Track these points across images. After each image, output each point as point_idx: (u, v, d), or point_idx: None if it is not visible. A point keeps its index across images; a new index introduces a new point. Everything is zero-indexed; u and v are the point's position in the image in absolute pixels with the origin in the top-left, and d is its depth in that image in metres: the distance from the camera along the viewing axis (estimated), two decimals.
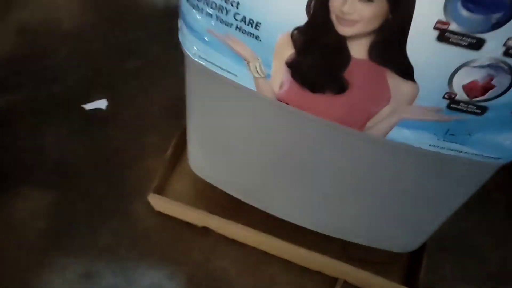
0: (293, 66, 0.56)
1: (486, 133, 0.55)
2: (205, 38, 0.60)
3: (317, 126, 0.63)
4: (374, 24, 0.46)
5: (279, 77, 0.58)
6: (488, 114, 0.52)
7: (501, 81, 0.47)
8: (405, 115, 0.55)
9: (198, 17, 0.58)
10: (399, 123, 0.57)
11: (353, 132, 0.61)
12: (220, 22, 0.56)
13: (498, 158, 0.59)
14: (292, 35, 0.52)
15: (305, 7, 0.48)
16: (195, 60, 0.65)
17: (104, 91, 1.10)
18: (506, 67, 0.45)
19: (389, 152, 0.63)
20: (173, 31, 1.25)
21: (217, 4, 0.54)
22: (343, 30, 0.48)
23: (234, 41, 0.57)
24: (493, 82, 0.48)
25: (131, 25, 1.23)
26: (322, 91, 0.57)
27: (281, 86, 0.60)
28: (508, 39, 0.43)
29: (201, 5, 0.56)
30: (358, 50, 0.50)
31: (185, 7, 0.60)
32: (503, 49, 0.44)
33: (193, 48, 0.64)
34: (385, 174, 0.69)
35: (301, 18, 0.50)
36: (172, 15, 1.26)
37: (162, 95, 1.11)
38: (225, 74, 0.63)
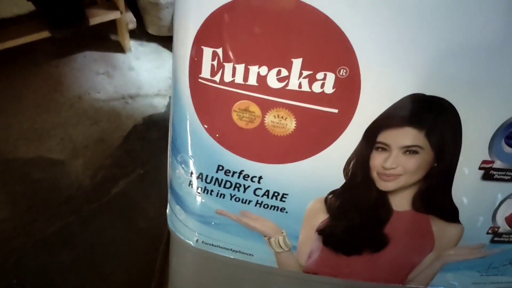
0: (326, 233, 0.50)
1: None
2: (212, 222, 0.52)
3: None
4: (419, 175, 0.45)
5: (308, 247, 0.52)
6: None
7: None
8: (450, 259, 0.52)
9: (204, 200, 0.51)
10: (442, 268, 0.53)
11: None
12: (235, 200, 0.50)
13: None
14: (326, 200, 0.48)
15: (343, 169, 0.45)
16: (195, 248, 0.55)
17: None
18: None
19: None
20: (106, 210, 1.13)
21: (233, 183, 0.48)
22: (385, 186, 0.46)
23: (251, 218, 0.51)
24: None
25: (56, 211, 1.08)
26: (359, 252, 0.52)
27: (309, 257, 0.53)
28: None
29: (210, 187, 0.50)
30: (401, 202, 0.47)
31: (183, 190, 0.52)
32: None
33: (194, 235, 0.55)
34: None
35: (338, 181, 0.46)
36: (102, 192, 1.15)
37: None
38: (237, 256, 0.54)
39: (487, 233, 0.50)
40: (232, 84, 0.42)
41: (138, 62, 1.48)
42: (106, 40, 1.52)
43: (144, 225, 1.10)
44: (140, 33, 1.53)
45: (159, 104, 1.37)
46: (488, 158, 0.43)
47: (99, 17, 1.33)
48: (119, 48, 1.50)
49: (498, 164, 0.44)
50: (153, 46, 1.52)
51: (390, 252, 0.51)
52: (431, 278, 0.54)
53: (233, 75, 0.41)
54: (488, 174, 0.44)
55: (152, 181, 1.19)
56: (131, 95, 1.39)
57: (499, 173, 0.44)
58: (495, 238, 0.50)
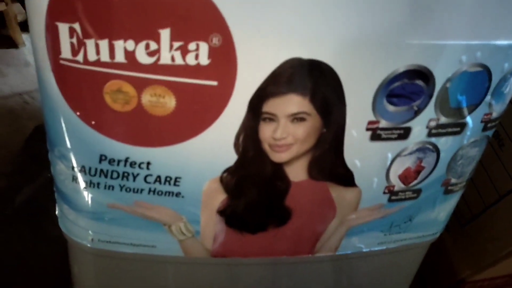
0: (227, 213, 0.48)
1: (423, 214, 0.55)
2: (106, 217, 0.49)
3: (261, 267, 0.55)
4: (310, 142, 0.44)
5: (211, 230, 0.50)
6: (422, 195, 0.53)
7: (429, 160, 0.49)
8: (353, 223, 0.52)
9: (92, 194, 0.47)
10: (347, 233, 0.53)
11: (302, 259, 0.55)
12: (126, 191, 0.46)
13: (434, 234, 0.60)
14: (221, 179, 0.45)
15: (233, 145, 0.43)
16: (91, 248, 0.51)
17: None
18: (431, 147, 0.48)
19: (341, 265, 0.59)
20: (11, 222, 1.03)
21: (120, 173, 0.45)
22: (279, 157, 0.45)
23: (146, 207, 0.47)
24: (423, 164, 0.49)
25: None
26: (264, 229, 0.51)
27: (215, 240, 0.51)
28: (430, 121, 0.45)
29: (95, 179, 0.46)
30: (297, 172, 0.46)
31: (68, 187, 0.48)
32: (427, 131, 0.46)
33: (88, 234, 0.50)
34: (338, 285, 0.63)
35: (230, 158, 0.44)
36: (4, 203, 1.04)
37: None
38: (139, 250, 0.51)
39: (384, 192, 0.50)
40: (98, 63, 0.38)
41: None
42: None
43: (55, 233, 1.01)
44: None
45: None
46: (373, 118, 0.43)
47: None
48: (11, 43, 1.36)
49: (383, 123, 0.44)
50: None
51: (294, 224, 0.51)
52: (338, 244, 0.54)
53: (98, 52, 0.37)
54: (375, 134, 0.45)
55: None
56: (30, 93, 1.28)
57: (386, 132, 0.45)
58: (392, 197, 0.51)
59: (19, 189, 1.09)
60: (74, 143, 0.44)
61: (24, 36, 1.37)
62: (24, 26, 1.37)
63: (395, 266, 0.63)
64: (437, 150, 0.48)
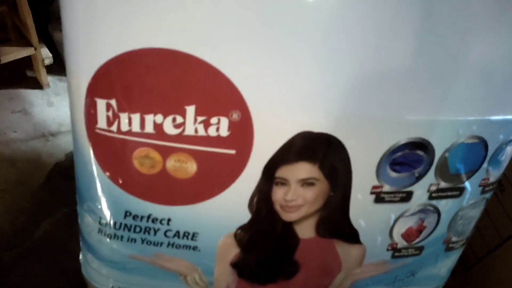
0: (240, 266, 0.52)
1: (425, 269, 0.58)
2: (127, 266, 0.52)
3: None
4: (318, 204, 0.48)
5: (224, 281, 0.53)
6: (425, 252, 0.55)
7: (430, 220, 0.52)
8: (358, 277, 0.55)
9: (116, 246, 0.51)
10: (352, 286, 0.56)
11: None
12: (147, 244, 0.50)
13: (436, 287, 0.63)
14: (235, 235, 0.49)
15: (247, 205, 0.47)
16: None
17: None
18: (432, 208, 0.51)
19: None
20: (28, 255, 1.07)
21: (142, 227, 0.49)
22: (289, 216, 0.48)
23: (165, 259, 0.51)
24: (424, 224, 0.52)
25: None
26: (274, 281, 0.54)
27: None
28: (430, 185, 0.49)
29: (119, 233, 0.49)
30: (305, 230, 0.50)
31: (93, 238, 0.52)
32: (428, 194, 0.50)
33: (109, 281, 0.54)
34: None
35: (244, 217, 0.48)
36: (23, 236, 1.09)
37: None
38: None
39: (388, 250, 0.53)
40: (129, 133, 0.42)
41: (58, 97, 1.43)
42: (22, 77, 1.46)
43: (71, 267, 1.04)
44: (59, 68, 1.48)
45: None
46: (377, 183, 0.47)
47: (12, 54, 1.28)
48: (37, 84, 1.44)
49: (386, 188, 0.48)
50: None
51: (302, 277, 0.54)
52: None
53: (130, 124, 0.42)
54: (379, 197, 0.48)
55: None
56: (51, 132, 1.34)
57: (389, 195, 0.48)
58: (395, 254, 0.54)
59: (38, 224, 1.13)
60: (102, 199, 0.48)
61: (49, 78, 1.44)
62: (50, 69, 1.45)
63: None
64: (438, 211, 0.52)
